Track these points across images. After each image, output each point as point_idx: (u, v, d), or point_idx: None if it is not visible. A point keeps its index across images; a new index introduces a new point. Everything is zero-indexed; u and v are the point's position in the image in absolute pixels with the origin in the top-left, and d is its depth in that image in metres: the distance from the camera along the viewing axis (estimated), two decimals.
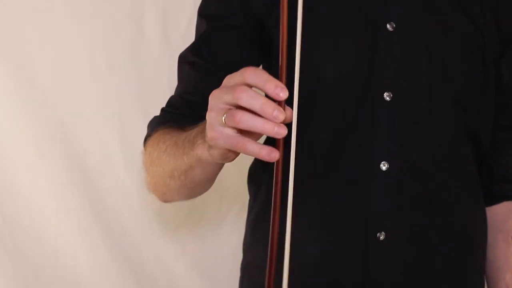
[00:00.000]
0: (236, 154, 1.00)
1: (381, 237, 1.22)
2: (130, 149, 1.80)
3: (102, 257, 1.81)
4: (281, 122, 0.88)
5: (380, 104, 1.23)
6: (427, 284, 1.27)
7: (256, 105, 0.88)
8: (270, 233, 0.89)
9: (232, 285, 1.46)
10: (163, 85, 1.80)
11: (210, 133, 0.96)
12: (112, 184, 1.83)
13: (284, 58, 0.89)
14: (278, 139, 0.89)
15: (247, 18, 1.29)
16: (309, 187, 1.25)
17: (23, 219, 1.75)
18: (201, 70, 1.29)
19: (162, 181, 1.21)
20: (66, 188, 1.78)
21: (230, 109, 0.92)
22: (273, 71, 1.26)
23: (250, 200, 1.37)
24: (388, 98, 1.23)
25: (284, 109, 0.88)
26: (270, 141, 0.91)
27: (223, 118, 0.92)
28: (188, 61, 1.31)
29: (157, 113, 1.32)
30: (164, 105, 1.32)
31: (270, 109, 0.87)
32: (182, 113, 1.27)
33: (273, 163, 0.90)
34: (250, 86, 0.90)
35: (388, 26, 1.24)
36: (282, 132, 0.88)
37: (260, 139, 0.97)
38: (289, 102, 0.90)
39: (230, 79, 0.93)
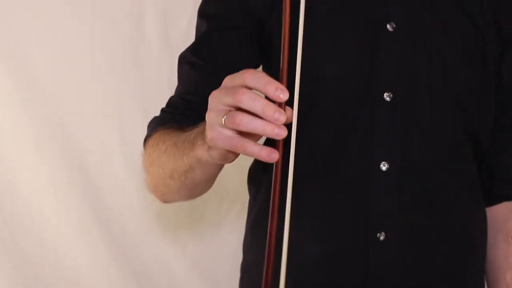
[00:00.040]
0: (236, 155, 1.00)
1: (381, 238, 1.22)
2: (130, 149, 1.80)
3: (102, 257, 1.81)
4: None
5: (380, 104, 1.23)
6: (427, 284, 1.27)
7: (258, 107, 0.88)
8: (268, 233, 0.89)
9: (232, 285, 1.45)
10: (163, 85, 1.80)
11: (209, 134, 0.96)
12: (112, 184, 1.83)
13: (285, 60, 0.89)
14: (278, 140, 0.89)
15: (247, 18, 1.29)
16: (309, 187, 1.25)
17: (23, 219, 1.75)
18: (201, 70, 1.29)
19: (162, 182, 1.21)
20: (66, 188, 1.78)
21: (230, 110, 0.91)
22: (273, 71, 1.27)
23: (250, 201, 1.38)
24: (388, 99, 1.23)
25: (284, 110, 0.88)
26: (270, 142, 0.91)
27: (223, 119, 0.92)
28: (188, 61, 1.31)
29: (157, 113, 1.32)
30: (164, 105, 1.32)
31: (271, 111, 0.87)
32: (182, 113, 1.27)
33: (273, 163, 0.90)
34: (250, 88, 0.90)
35: (388, 26, 1.24)
36: (282, 133, 0.88)
37: (260, 139, 0.97)
38: (289, 103, 0.90)
39: (230, 81, 0.93)
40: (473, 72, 1.27)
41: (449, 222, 1.28)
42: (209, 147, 1.01)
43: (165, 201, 1.30)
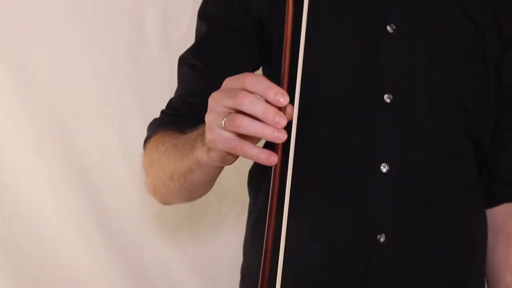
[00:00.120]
0: (235, 157, 1.00)
1: (381, 240, 1.22)
2: (130, 149, 1.80)
3: (102, 258, 1.82)
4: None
5: (381, 105, 1.23)
6: (427, 284, 1.26)
7: (259, 111, 0.88)
8: (265, 236, 0.90)
9: (232, 287, 1.46)
10: (163, 85, 1.80)
11: (209, 135, 0.96)
12: (112, 184, 1.83)
13: (287, 64, 0.89)
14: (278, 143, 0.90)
15: (247, 19, 1.28)
16: (309, 187, 1.25)
17: (23, 219, 1.75)
18: (201, 72, 1.29)
19: (162, 183, 1.21)
20: (66, 188, 1.78)
21: (230, 112, 0.91)
22: (273, 71, 1.27)
23: (250, 203, 1.37)
24: (388, 100, 1.23)
25: (285, 112, 0.88)
26: (270, 144, 0.91)
27: (223, 121, 0.92)
28: (188, 63, 1.31)
29: (157, 113, 1.32)
30: (164, 105, 1.32)
31: (272, 115, 0.87)
32: (182, 115, 1.26)
33: (272, 166, 0.90)
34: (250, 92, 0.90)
35: (388, 28, 1.24)
36: (282, 137, 0.88)
37: (260, 141, 0.97)
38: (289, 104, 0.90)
39: (230, 83, 0.93)
40: (473, 72, 1.27)
41: (449, 222, 1.27)
42: (209, 149, 1.01)
43: (165, 203, 1.30)
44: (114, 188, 1.83)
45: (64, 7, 1.76)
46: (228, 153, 0.97)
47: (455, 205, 1.28)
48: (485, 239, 1.33)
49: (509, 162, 1.33)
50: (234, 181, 1.79)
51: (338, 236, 1.25)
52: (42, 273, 1.77)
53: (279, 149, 0.89)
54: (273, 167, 0.90)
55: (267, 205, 0.90)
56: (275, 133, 0.88)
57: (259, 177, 1.34)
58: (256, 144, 0.93)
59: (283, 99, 0.88)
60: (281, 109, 0.88)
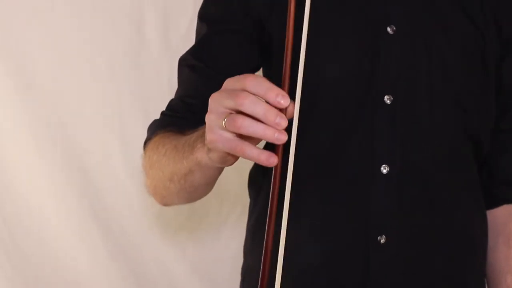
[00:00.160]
0: (235, 158, 1.00)
1: (381, 241, 1.22)
2: (130, 150, 1.80)
3: (102, 258, 1.82)
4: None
5: (381, 106, 1.23)
6: (427, 284, 1.26)
7: (259, 111, 0.88)
8: (265, 236, 0.89)
9: None
10: (163, 86, 1.80)
11: (209, 136, 0.96)
12: (112, 184, 1.83)
13: (288, 66, 0.89)
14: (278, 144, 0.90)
15: (247, 20, 1.28)
16: (309, 187, 1.25)
17: (23, 220, 1.75)
18: (201, 73, 1.29)
19: (162, 185, 1.21)
20: (66, 188, 1.78)
21: (230, 113, 0.91)
22: (273, 71, 1.27)
23: (250, 205, 1.37)
24: (388, 101, 1.23)
25: (285, 115, 0.88)
26: (270, 145, 0.91)
27: (223, 122, 0.92)
28: (188, 64, 1.31)
29: (157, 114, 1.32)
30: (164, 106, 1.32)
31: (273, 116, 0.87)
32: (182, 117, 1.26)
33: (273, 167, 0.90)
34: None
35: (388, 29, 1.24)
36: (282, 138, 0.88)
37: (261, 142, 0.97)
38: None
39: (230, 84, 0.93)
40: (473, 72, 1.27)
41: (449, 222, 1.27)
42: (209, 150, 1.01)
43: (165, 204, 1.30)
44: (114, 188, 1.83)
45: (64, 7, 1.76)
46: (228, 154, 0.97)
47: (455, 205, 1.28)
48: (485, 239, 1.33)
49: (509, 163, 1.32)
50: (235, 183, 1.79)
51: (338, 236, 1.25)
52: (42, 273, 1.77)
53: (280, 150, 0.89)
54: (273, 168, 0.89)
55: (268, 206, 0.90)
56: (276, 134, 0.88)
57: (259, 178, 1.34)
58: (256, 145, 0.93)
59: (284, 101, 0.88)
60: (282, 110, 0.88)
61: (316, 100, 1.24)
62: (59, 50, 1.77)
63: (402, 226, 1.24)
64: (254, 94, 0.89)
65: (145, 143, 1.28)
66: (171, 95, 1.33)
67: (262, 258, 0.90)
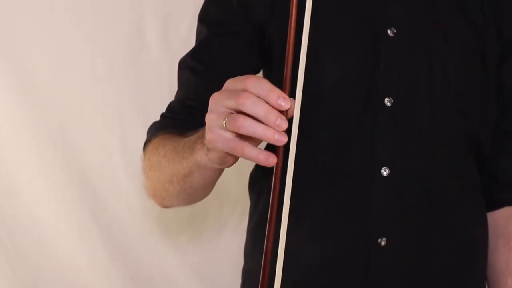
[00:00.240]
0: (235, 159, 0.99)
1: (382, 243, 1.22)
2: (130, 151, 1.80)
3: (102, 259, 1.82)
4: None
5: (381, 108, 1.23)
6: (427, 284, 1.27)
7: (260, 112, 0.88)
8: (266, 237, 0.89)
9: None
10: (163, 88, 1.80)
11: (209, 135, 0.96)
12: (112, 185, 1.83)
13: (289, 69, 0.89)
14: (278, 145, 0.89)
15: (247, 23, 1.28)
16: (310, 189, 1.25)
17: (23, 220, 1.75)
18: (201, 76, 1.29)
19: (161, 186, 1.21)
20: (65, 189, 1.78)
21: (231, 113, 0.91)
22: (274, 75, 1.27)
23: (251, 207, 1.37)
24: (389, 104, 1.23)
25: (286, 117, 0.88)
26: (270, 147, 0.91)
27: (224, 122, 0.91)
28: (188, 66, 1.31)
29: (157, 116, 1.32)
30: (164, 108, 1.32)
31: (274, 117, 0.87)
32: (182, 119, 1.26)
33: (273, 169, 0.90)
34: None
35: (388, 31, 1.24)
36: (282, 139, 0.88)
37: (261, 143, 0.97)
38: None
39: (231, 84, 0.93)
40: (473, 73, 1.27)
41: (449, 223, 1.28)
42: (208, 150, 1.01)
43: (164, 206, 1.29)
44: (114, 188, 1.83)
45: (64, 8, 1.76)
46: (227, 154, 0.97)
47: (455, 206, 1.28)
48: (486, 240, 1.33)
49: (509, 165, 1.33)
50: (235, 185, 1.79)
51: (338, 237, 1.25)
52: (41, 273, 1.77)
53: (280, 152, 0.89)
54: (273, 169, 0.89)
55: (268, 208, 0.90)
56: (276, 136, 0.87)
57: (259, 180, 1.34)
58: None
59: (285, 103, 0.87)
60: (283, 112, 0.88)
61: (316, 102, 1.24)
62: (59, 50, 1.77)
63: (402, 227, 1.24)
64: (255, 95, 0.89)
65: (145, 144, 1.28)
66: (171, 98, 1.33)
67: (262, 260, 0.90)
